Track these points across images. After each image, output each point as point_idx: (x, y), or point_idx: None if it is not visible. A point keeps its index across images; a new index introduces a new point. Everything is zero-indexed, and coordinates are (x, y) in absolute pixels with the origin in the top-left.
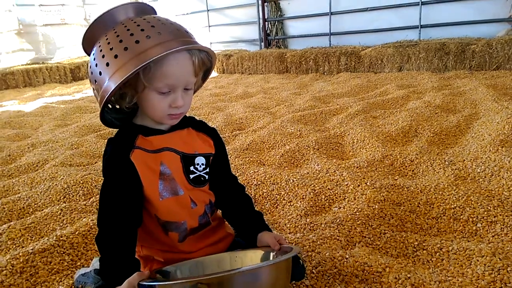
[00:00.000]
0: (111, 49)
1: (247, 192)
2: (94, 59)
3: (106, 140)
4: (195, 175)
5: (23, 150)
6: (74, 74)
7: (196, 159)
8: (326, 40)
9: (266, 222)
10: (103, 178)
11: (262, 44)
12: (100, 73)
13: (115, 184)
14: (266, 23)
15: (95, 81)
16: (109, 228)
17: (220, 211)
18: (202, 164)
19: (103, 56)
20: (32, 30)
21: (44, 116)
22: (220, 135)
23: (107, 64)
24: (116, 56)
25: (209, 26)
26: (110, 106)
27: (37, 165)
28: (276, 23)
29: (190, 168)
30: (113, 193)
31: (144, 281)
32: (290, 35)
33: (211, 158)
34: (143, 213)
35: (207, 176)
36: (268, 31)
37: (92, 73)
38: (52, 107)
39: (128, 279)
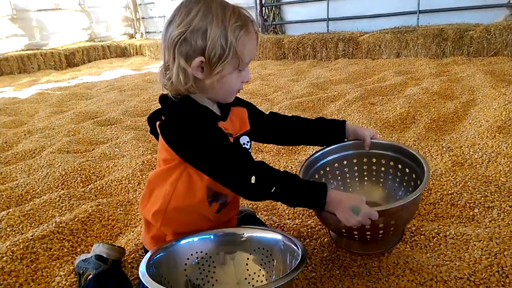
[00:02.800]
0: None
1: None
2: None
3: (103, 127)
4: None
5: (19, 137)
6: (69, 60)
7: (241, 139)
8: (324, 25)
9: (265, 208)
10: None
11: (260, 29)
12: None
13: (218, 134)
14: (263, 8)
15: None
16: (244, 158)
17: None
18: (248, 142)
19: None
20: (26, 16)
21: (39, 103)
22: None
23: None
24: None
25: None
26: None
27: (34, 152)
28: (274, 8)
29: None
30: (222, 138)
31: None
32: (288, 20)
33: (250, 133)
34: (196, 182)
35: (250, 150)
36: (265, 17)
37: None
38: (48, 94)
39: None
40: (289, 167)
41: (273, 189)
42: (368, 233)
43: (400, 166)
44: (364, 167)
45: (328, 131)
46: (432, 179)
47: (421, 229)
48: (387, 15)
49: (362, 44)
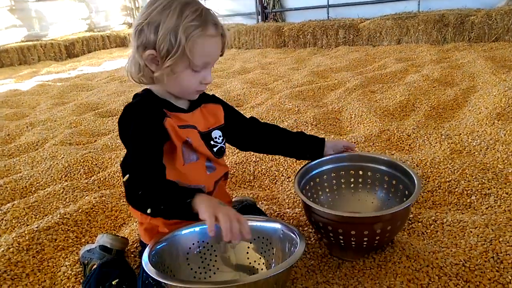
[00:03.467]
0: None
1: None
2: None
3: (104, 118)
4: (217, 147)
5: (21, 129)
6: (69, 51)
7: (213, 133)
8: (324, 12)
9: (265, 198)
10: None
11: (259, 17)
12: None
13: (150, 139)
14: None
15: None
16: (151, 175)
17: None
18: (220, 136)
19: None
20: (25, 6)
21: (41, 95)
22: None
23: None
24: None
25: (205, 0)
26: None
27: (37, 144)
28: None
29: (211, 142)
30: (149, 147)
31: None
32: (288, 7)
33: (224, 128)
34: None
35: (224, 146)
36: (265, 4)
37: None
38: (49, 85)
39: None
40: (287, 160)
41: (149, 210)
42: (365, 239)
43: (394, 182)
44: (360, 180)
45: (307, 147)
46: (431, 167)
47: (419, 217)
48: (388, 1)
49: (362, 31)
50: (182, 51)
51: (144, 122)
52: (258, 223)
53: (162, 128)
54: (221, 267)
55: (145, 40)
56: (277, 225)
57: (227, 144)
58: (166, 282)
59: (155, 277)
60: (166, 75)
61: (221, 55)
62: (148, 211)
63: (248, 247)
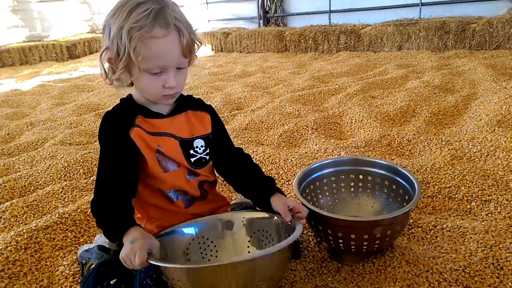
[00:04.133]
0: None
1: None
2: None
3: None
4: (196, 158)
5: (22, 129)
6: (70, 52)
7: (195, 142)
8: (326, 18)
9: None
10: (99, 148)
11: (261, 22)
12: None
13: (112, 154)
14: (265, 0)
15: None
16: (105, 193)
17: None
18: (202, 146)
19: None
20: (27, 7)
21: (41, 95)
22: (219, 115)
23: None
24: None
25: (207, 3)
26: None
27: (36, 144)
28: (275, 0)
29: (190, 151)
30: (111, 162)
31: (153, 261)
32: (289, 12)
33: (209, 138)
34: (145, 188)
35: (207, 157)
36: (267, 9)
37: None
38: (49, 86)
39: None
40: (289, 160)
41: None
42: (365, 243)
43: (394, 187)
44: (360, 184)
45: (257, 198)
46: (431, 173)
47: (419, 222)
48: (389, 7)
49: (364, 36)
50: (127, 55)
51: (108, 136)
52: (257, 216)
53: (128, 139)
54: (219, 252)
55: (105, 43)
56: (276, 218)
57: None
58: (164, 265)
59: (153, 262)
60: (125, 79)
61: (187, 57)
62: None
63: (249, 241)
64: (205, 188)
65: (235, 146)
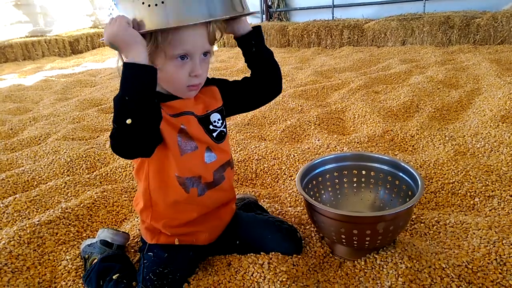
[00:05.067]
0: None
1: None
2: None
3: (107, 114)
4: (217, 131)
5: (24, 124)
6: (73, 47)
7: (211, 116)
8: (329, 12)
9: (267, 196)
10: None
11: (264, 16)
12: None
13: None
14: None
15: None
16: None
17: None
18: (219, 120)
19: None
20: (30, 2)
21: (44, 90)
22: None
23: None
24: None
25: None
26: None
27: (39, 139)
28: None
29: (210, 127)
30: None
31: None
32: (292, 7)
33: (223, 110)
34: (164, 173)
35: (225, 130)
36: (269, 3)
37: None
38: (52, 81)
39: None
40: (292, 155)
41: (128, 121)
42: (367, 238)
43: (397, 182)
44: (362, 179)
45: (244, 48)
46: (434, 168)
47: (421, 217)
48: (393, 2)
49: (367, 31)
50: (154, 40)
51: None
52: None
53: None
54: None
55: None
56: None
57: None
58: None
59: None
60: None
61: (212, 44)
62: (128, 121)
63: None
64: (225, 175)
65: (237, 142)
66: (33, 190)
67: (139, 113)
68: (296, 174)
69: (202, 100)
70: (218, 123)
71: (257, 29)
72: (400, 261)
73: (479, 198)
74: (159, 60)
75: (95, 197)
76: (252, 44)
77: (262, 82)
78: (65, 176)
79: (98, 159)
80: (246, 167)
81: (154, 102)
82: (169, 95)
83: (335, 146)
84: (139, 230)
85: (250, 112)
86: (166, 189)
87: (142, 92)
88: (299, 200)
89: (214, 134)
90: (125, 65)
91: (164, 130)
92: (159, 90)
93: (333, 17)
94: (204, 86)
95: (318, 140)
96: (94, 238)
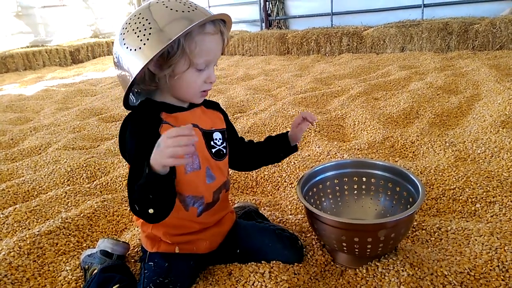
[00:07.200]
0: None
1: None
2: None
3: (107, 124)
4: (216, 149)
5: (25, 133)
6: (73, 56)
7: (214, 134)
8: (328, 20)
9: (268, 204)
10: (128, 155)
11: (263, 24)
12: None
13: (146, 154)
14: (267, 2)
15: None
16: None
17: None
18: (220, 139)
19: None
20: (31, 12)
21: (45, 100)
22: None
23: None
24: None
25: (209, 7)
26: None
27: (40, 149)
28: (277, 3)
29: (211, 143)
30: (143, 154)
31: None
32: (292, 15)
33: (225, 132)
34: None
35: (225, 150)
36: (269, 11)
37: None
38: (53, 91)
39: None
40: (292, 163)
41: (151, 210)
42: (369, 246)
43: (398, 189)
44: (363, 186)
45: (276, 146)
46: (435, 175)
47: (423, 224)
48: (392, 9)
49: (366, 38)
50: (181, 50)
51: (139, 137)
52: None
53: (159, 136)
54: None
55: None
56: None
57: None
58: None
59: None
60: (168, 76)
61: (222, 54)
62: (150, 211)
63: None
64: (220, 196)
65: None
66: (33, 200)
67: (161, 206)
68: (297, 181)
69: (210, 116)
70: (218, 141)
71: (296, 148)
72: (402, 268)
73: (480, 204)
74: (180, 68)
75: (95, 206)
76: (283, 156)
77: (253, 164)
78: (65, 186)
79: (99, 169)
80: (246, 175)
81: (174, 194)
82: (177, 106)
83: (336, 153)
84: (139, 239)
85: (250, 120)
86: None
87: (165, 196)
88: (300, 207)
89: (213, 151)
90: (154, 175)
91: None
92: (168, 102)
93: (332, 24)
94: (211, 108)
95: (319, 147)
96: (94, 248)
